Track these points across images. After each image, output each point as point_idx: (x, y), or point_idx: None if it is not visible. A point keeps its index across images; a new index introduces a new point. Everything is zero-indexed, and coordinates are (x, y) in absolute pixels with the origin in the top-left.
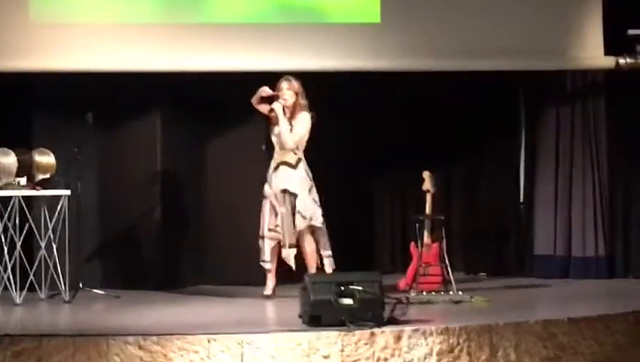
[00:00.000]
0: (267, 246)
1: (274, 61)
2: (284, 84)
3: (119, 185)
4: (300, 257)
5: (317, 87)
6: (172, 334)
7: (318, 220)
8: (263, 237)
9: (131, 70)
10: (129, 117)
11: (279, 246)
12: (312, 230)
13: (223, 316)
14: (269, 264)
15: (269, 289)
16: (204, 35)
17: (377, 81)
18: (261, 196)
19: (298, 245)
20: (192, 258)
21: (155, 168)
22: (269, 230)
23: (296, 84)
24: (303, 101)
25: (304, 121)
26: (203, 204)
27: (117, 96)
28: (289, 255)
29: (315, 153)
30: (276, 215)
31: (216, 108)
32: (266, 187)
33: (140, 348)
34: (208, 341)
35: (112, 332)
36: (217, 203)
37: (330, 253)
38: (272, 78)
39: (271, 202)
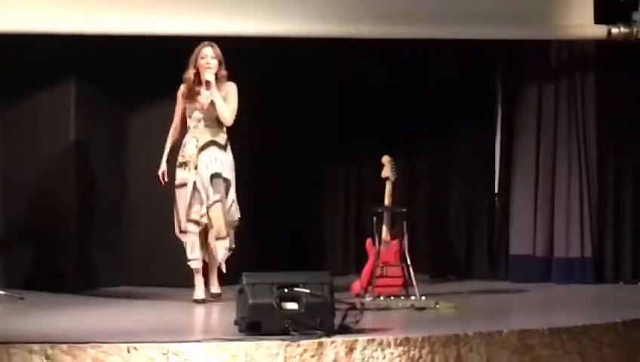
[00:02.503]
0: (193, 241)
1: (207, 24)
2: (208, 50)
3: (26, 165)
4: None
5: (253, 55)
6: (85, 342)
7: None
8: (185, 232)
9: (41, 31)
10: (39, 85)
11: (203, 238)
12: None
13: (146, 322)
14: (197, 262)
15: (199, 292)
16: None
17: (326, 50)
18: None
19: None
20: (111, 254)
21: (69, 145)
22: (193, 221)
23: (219, 51)
24: (224, 71)
25: (235, 92)
26: (124, 191)
27: (24, 60)
28: (222, 247)
29: (250, 134)
30: (200, 204)
31: (138, 78)
32: (184, 171)
33: (47, 358)
34: (128, 350)
35: (14, 339)
36: (141, 190)
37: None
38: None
39: (196, 188)
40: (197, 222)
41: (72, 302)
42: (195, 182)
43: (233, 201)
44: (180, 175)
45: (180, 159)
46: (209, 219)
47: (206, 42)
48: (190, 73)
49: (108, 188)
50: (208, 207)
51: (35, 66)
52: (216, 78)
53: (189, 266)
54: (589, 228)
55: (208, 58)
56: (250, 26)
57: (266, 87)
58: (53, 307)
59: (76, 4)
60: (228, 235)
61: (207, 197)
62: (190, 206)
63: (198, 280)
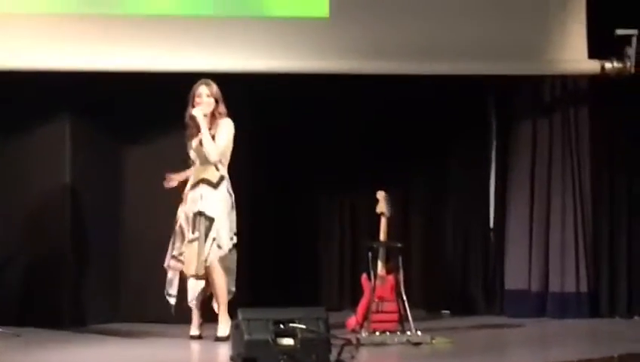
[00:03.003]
0: (171, 278)
1: (200, 60)
2: (203, 89)
3: (20, 203)
4: None
5: (245, 91)
6: None
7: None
8: (168, 267)
9: (35, 68)
10: (32, 122)
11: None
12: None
13: (141, 359)
14: (173, 299)
15: (194, 328)
16: (121, 28)
17: (321, 86)
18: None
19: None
20: (106, 290)
21: (64, 181)
22: (173, 258)
23: (215, 89)
24: (222, 109)
25: (227, 129)
26: (120, 227)
27: (18, 97)
28: (195, 286)
29: (244, 170)
30: (183, 240)
31: (133, 116)
32: (180, 208)
33: None
34: None
35: None
36: (136, 226)
37: (234, 289)
38: (189, 79)
39: (180, 225)
40: (178, 259)
41: (67, 338)
42: (178, 219)
43: (214, 240)
44: (178, 211)
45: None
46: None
47: (203, 80)
48: (190, 111)
49: (103, 224)
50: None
51: (29, 103)
52: (214, 115)
53: (185, 302)
54: (584, 262)
55: (203, 97)
56: (244, 62)
57: (262, 122)
58: (48, 344)
59: (66, 39)
60: (198, 274)
61: (188, 236)
62: (173, 243)
63: (194, 315)
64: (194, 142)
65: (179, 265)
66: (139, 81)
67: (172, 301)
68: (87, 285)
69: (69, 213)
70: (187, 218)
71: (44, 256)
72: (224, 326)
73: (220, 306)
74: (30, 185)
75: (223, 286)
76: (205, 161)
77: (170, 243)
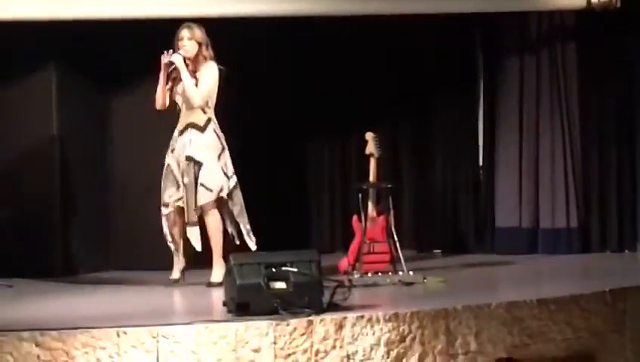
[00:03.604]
0: (163, 223)
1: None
2: (185, 33)
3: (7, 154)
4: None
5: (236, 35)
6: (75, 328)
7: (224, 191)
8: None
9: (20, 18)
10: (18, 73)
11: (182, 221)
12: (220, 204)
13: (134, 306)
14: (169, 243)
15: (175, 271)
16: None
17: (304, 28)
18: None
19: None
20: (96, 239)
21: (52, 131)
22: (164, 204)
23: (199, 32)
24: (207, 52)
25: (211, 72)
26: (108, 177)
27: (2, 48)
28: (192, 234)
29: (232, 114)
30: (178, 187)
31: (120, 64)
32: (169, 154)
33: (37, 344)
34: (117, 334)
35: (4, 327)
36: (125, 175)
37: (248, 227)
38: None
39: (172, 171)
40: (168, 205)
41: (59, 288)
42: (169, 166)
43: (201, 185)
44: (166, 157)
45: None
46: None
47: (185, 24)
48: (168, 56)
49: (91, 173)
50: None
51: (15, 54)
52: (197, 59)
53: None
54: (574, 198)
55: (185, 40)
56: (230, 6)
57: (248, 67)
58: (41, 294)
59: None
60: (192, 220)
61: (180, 181)
62: (164, 189)
63: (175, 259)
64: (179, 87)
65: (171, 210)
66: (125, 30)
67: (171, 246)
68: (78, 235)
69: (58, 163)
70: (178, 164)
71: (33, 207)
72: (218, 272)
73: (215, 251)
74: (17, 136)
75: (216, 231)
76: (191, 106)
77: (163, 188)
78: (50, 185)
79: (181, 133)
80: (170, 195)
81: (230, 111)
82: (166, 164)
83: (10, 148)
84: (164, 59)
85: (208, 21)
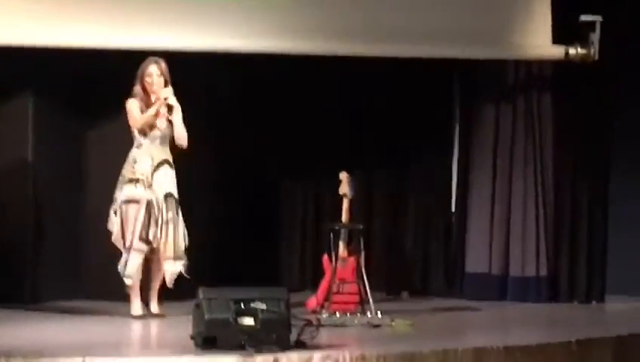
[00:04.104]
0: (135, 260)
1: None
2: (153, 69)
3: None
4: None
5: (209, 70)
6: (41, 356)
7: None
8: (130, 249)
9: None
10: None
11: (147, 260)
12: None
13: (101, 336)
14: (131, 280)
15: (137, 308)
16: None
17: (283, 66)
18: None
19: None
20: (67, 267)
21: (26, 158)
22: (145, 241)
23: (165, 68)
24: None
25: (180, 112)
26: (81, 206)
27: None
28: (175, 268)
29: (205, 151)
30: (155, 223)
31: (95, 94)
32: (138, 188)
33: None
34: None
35: None
36: (98, 204)
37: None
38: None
39: (152, 207)
40: (149, 242)
41: (28, 315)
42: (150, 202)
43: (181, 222)
44: (130, 191)
45: (131, 176)
46: (161, 239)
47: (152, 58)
48: (139, 89)
49: (64, 201)
50: (161, 227)
51: None
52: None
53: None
54: (545, 247)
55: (154, 77)
56: (203, 41)
57: (221, 103)
58: (9, 320)
59: (28, 16)
60: (179, 257)
61: (162, 217)
62: (145, 225)
63: (135, 295)
64: (160, 122)
65: (145, 246)
66: (101, 59)
67: (129, 282)
68: (49, 262)
69: (31, 190)
70: (157, 199)
71: (5, 233)
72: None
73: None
74: None
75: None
76: (165, 142)
77: (135, 223)
78: (23, 212)
79: (156, 168)
80: (154, 234)
81: (203, 148)
82: (146, 200)
83: None
84: (165, 94)
85: (180, 56)
